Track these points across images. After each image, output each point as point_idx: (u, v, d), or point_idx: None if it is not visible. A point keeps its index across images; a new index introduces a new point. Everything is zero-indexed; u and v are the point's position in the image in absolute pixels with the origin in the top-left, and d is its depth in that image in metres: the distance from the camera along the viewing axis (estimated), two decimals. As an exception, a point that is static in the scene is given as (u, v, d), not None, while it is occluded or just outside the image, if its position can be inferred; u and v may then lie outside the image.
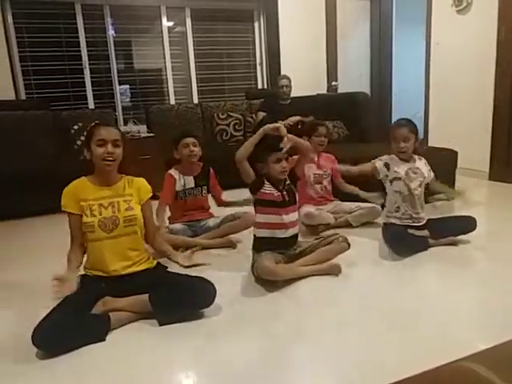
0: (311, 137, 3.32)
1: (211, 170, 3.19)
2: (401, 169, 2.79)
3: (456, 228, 2.82)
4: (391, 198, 2.85)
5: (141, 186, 2.20)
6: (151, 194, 2.25)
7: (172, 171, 3.06)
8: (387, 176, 2.82)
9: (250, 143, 2.37)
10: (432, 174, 2.90)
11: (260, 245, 2.46)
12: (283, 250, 2.46)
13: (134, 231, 2.12)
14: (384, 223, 2.93)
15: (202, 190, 3.11)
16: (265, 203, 2.44)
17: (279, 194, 2.43)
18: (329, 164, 3.41)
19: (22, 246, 3.32)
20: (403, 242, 2.69)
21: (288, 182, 2.51)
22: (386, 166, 2.82)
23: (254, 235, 2.53)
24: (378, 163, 2.85)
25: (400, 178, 2.77)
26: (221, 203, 3.21)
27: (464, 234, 2.81)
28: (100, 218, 2.04)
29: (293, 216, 2.50)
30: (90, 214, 2.04)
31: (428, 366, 1.59)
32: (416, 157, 2.87)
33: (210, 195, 3.21)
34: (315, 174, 3.35)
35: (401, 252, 2.65)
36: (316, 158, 3.37)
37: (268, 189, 2.42)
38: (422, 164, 2.86)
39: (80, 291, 1.97)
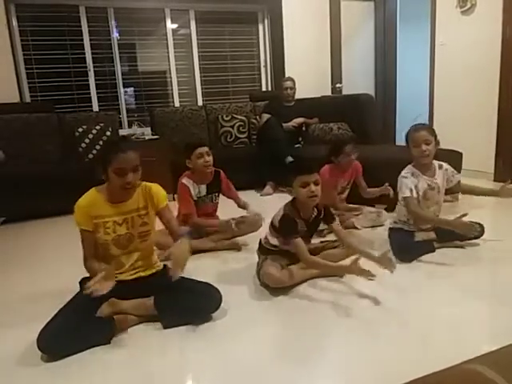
0: (338, 157, 3.22)
1: (222, 175, 3.12)
2: (420, 186, 2.65)
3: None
4: (402, 211, 2.74)
5: (156, 194, 2.08)
6: (167, 201, 2.12)
7: (185, 180, 2.97)
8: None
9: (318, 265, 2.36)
10: (457, 178, 2.77)
11: (266, 250, 2.45)
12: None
13: (147, 245, 2.11)
14: (390, 228, 2.86)
15: (213, 198, 3.09)
16: None
17: (305, 229, 2.38)
18: (354, 173, 3.34)
19: (26, 248, 3.32)
20: (408, 250, 2.64)
21: (321, 216, 2.42)
22: (416, 187, 2.64)
23: (261, 242, 2.51)
24: (409, 191, 2.61)
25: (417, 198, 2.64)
26: (240, 205, 3.16)
27: (470, 239, 2.76)
28: (114, 237, 2.00)
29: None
30: (103, 232, 1.99)
31: (433, 367, 1.58)
32: (436, 165, 2.73)
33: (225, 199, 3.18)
34: (342, 186, 3.32)
35: (405, 259, 2.60)
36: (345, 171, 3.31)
37: (299, 226, 2.34)
38: (441, 175, 2.72)
39: (85, 294, 1.97)
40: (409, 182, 2.63)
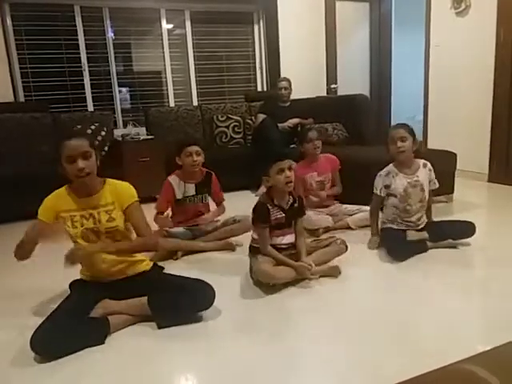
0: (303, 144, 3.27)
1: (213, 177, 3.09)
2: (399, 184, 2.72)
3: (455, 232, 2.80)
4: (388, 210, 2.82)
5: (123, 192, 2.07)
6: (135, 199, 2.08)
7: (171, 178, 2.96)
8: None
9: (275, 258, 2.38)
10: (436, 186, 2.82)
11: (256, 250, 2.45)
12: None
13: (116, 241, 2.06)
14: (381, 228, 2.88)
15: (202, 198, 3.05)
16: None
17: (284, 215, 2.41)
18: (329, 167, 3.34)
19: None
20: (401, 248, 2.66)
21: (296, 204, 2.47)
22: (387, 187, 2.75)
23: (251, 244, 2.52)
24: (379, 191, 2.77)
25: (396, 196, 2.73)
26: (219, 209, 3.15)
27: (463, 238, 2.79)
28: (82, 230, 1.99)
29: (289, 238, 2.49)
30: (71, 226, 1.99)
31: (427, 368, 1.59)
32: (421, 163, 2.79)
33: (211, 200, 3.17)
34: (317, 181, 3.29)
35: (399, 258, 2.62)
36: (315, 164, 3.31)
37: (274, 213, 2.38)
38: (424, 173, 2.77)
39: (78, 294, 1.97)
40: (380, 182, 2.78)
